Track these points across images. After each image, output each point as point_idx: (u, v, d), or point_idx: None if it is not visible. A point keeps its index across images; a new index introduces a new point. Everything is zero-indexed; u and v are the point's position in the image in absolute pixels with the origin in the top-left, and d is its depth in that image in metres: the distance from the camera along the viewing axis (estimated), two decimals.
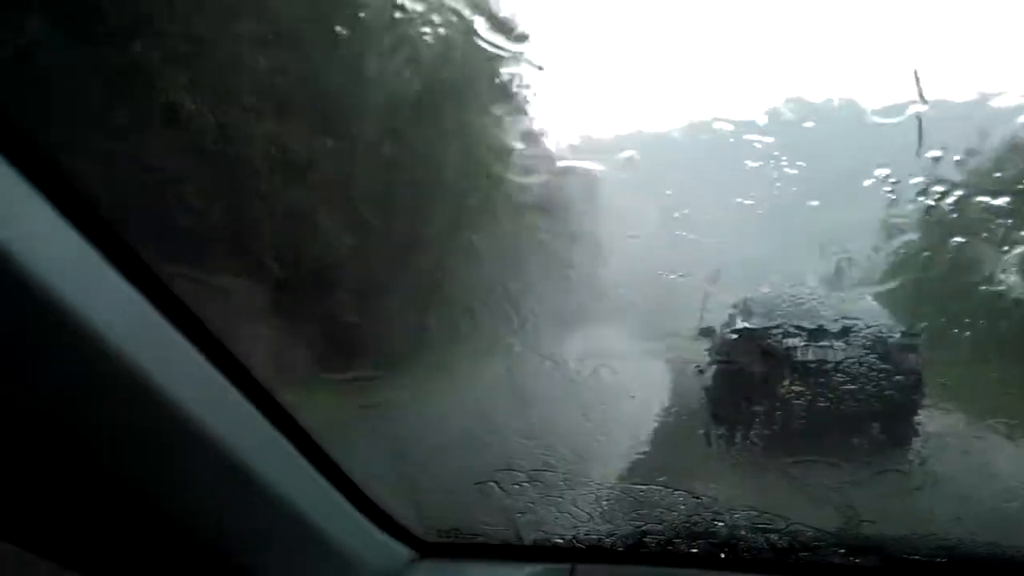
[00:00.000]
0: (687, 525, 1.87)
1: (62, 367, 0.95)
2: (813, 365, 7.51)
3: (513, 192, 11.92)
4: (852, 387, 7.29)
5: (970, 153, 13.75)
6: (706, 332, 9.53)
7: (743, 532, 1.86)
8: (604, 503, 2.05)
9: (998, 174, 13.30)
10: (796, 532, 1.88)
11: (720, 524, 1.88)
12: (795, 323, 7.93)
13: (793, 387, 7.32)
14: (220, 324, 1.17)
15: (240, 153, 8.13)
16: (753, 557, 1.82)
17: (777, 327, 7.90)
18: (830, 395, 7.12)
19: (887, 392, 7.35)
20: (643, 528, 1.85)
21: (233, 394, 1.22)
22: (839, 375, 7.32)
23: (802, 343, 7.69)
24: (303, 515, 1.39)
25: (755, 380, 7.52)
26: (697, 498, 1.98)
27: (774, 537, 1.86)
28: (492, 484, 1.78)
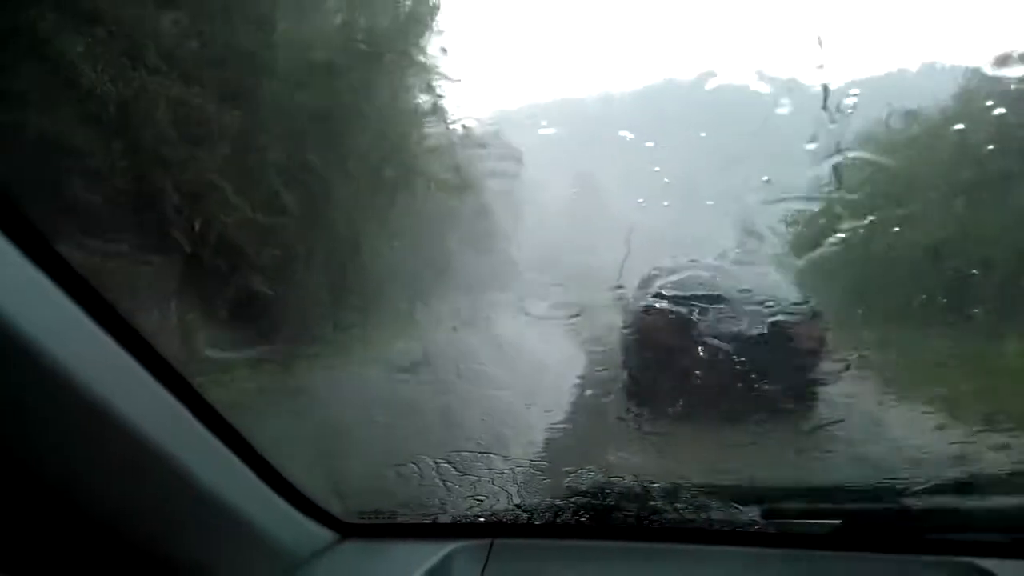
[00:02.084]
0: (599, 498, 1.94)
1: None
2: (721, 334, 7.75)
3: (426, 164, 11.83)
4: (757, 356, 7.57)
5: (876, 124, 14.34)
6: (617, 303, 9.70)
7: (652, 503, 1.94)
8: (521, 480, 2.12)
9: (899, 145, 13.92)
10: (701, 501, 1.98)
11: (632, 495, 1.95)
12: (703, 293, 8.17)
13: (702, 356, 7.55)
14: (128, 304, 1.15)
15: (145, 123, 7.82)
16: (662, 526, 1.90)
17: (685, 297, 8.12)
18: (737, 363, 7.38)
19: (790, 359, 7.67)
20: (558, 503, 1.92)
21: (144, 377, 1.19)
22: (745, 344, 7.59)
23: (710, 313, 7.92)
24: (222, 500, 1.39)
25: (665, 350, 7.73)
26: (608, 471, 2.06)
27: (681, 506, 1.96)
28: (411, 466, 1.82)
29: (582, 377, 8.55)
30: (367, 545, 1.82)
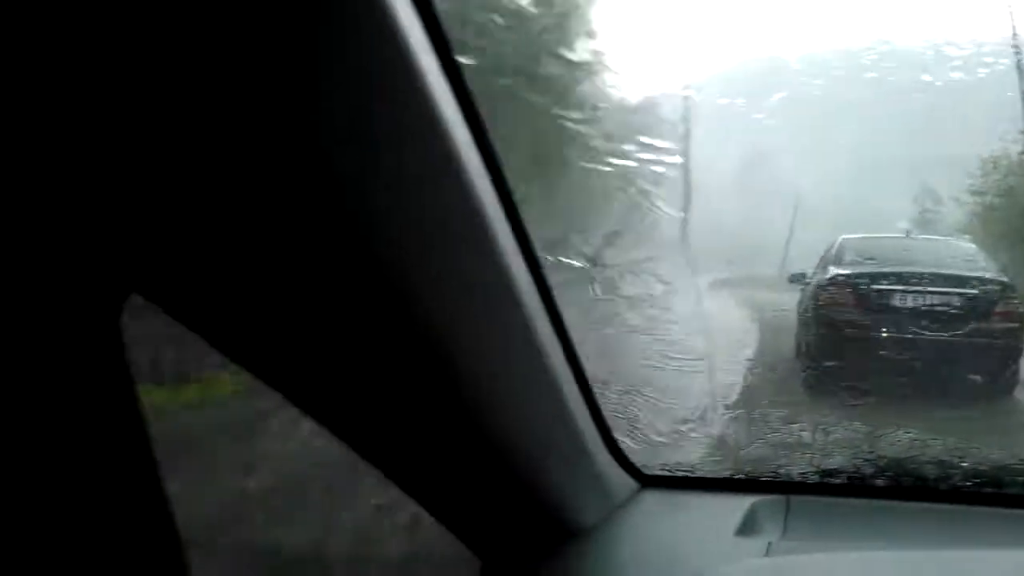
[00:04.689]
0: (898, 460, 1.90)
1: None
2: (911, 311, 7.40)
3: (593, 123, 11.72)
4: (952, 332, 7.18)
5: None
6: (796, 278, 9.36)
7: (955, 465, 1.90)
8: (820, 438, 2.10)
9: None
10: (994, 462, 1.92)
11: (929, 458, 1.91)
12: (891, 268, 7.77)
13: (894, 332, 7.23)
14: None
15: None
16: (969, 491, 1.86)
17: (872, 273, 7.75)
18: (934, 340, 7.03)
19: (987, 337, 7.23)
20: (859, 462, 1.89)
21: (542, 316, 1.25)
22: (938, 321, 7.20)
23: (900, 289, 7.55)
24: (576, 435, 1.45)
25: (853, 325, 7.45)
26: (909, 434, 2.02)
27: (971, 473, 1.91)
28: (711, 420, 1.83)
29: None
30: (666, 496, 1.85)
